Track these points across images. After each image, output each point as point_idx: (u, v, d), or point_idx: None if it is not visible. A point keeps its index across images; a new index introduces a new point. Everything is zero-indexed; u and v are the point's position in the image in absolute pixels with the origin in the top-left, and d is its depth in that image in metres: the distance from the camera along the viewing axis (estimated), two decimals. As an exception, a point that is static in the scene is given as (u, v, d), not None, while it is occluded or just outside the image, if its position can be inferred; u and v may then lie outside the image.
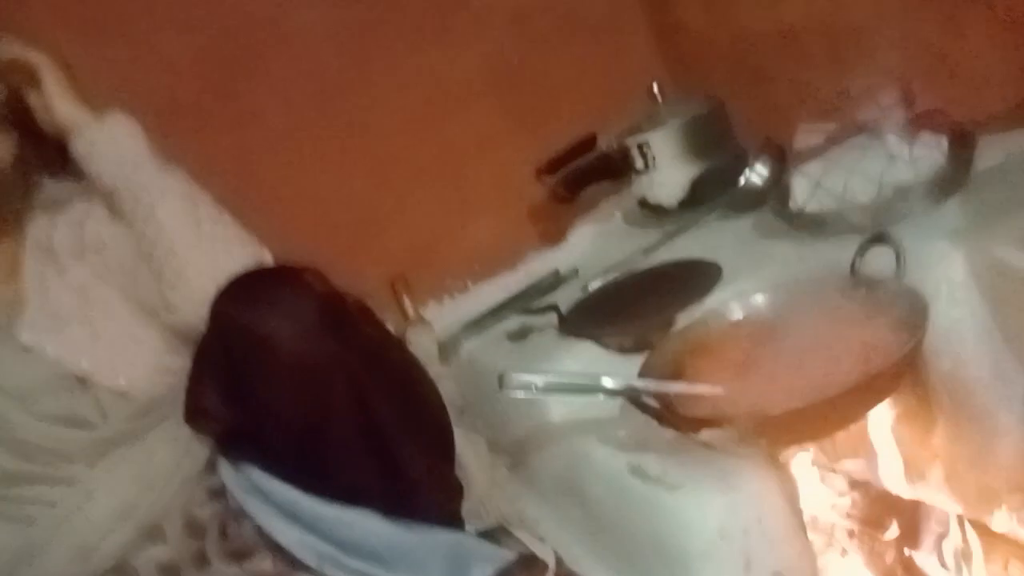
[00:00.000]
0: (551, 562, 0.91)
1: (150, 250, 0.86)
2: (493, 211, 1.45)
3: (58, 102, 0.86)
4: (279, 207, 1.25)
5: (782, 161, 1.21)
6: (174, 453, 0.85)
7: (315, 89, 1.32)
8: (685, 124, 1.32)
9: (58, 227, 0.91)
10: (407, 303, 1.33)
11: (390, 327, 1.07)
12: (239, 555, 0.84)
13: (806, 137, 1.13)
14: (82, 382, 0.86)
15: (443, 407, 0.96)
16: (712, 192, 1.29)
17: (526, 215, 1.48)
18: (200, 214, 0.87)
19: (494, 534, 0.93)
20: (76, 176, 0.91)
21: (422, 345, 1.21)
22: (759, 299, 0.95)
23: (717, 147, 1.33)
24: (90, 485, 0.83)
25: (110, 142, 0.87)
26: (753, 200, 1.22)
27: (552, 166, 1.38)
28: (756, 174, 1.24)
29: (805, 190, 1.05)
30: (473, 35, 1.41)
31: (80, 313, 0.88)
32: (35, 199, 0.93)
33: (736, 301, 0.96)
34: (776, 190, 1.14)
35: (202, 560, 0.85)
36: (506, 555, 0.87)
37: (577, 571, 0.92)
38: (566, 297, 1.20)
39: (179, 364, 0.85)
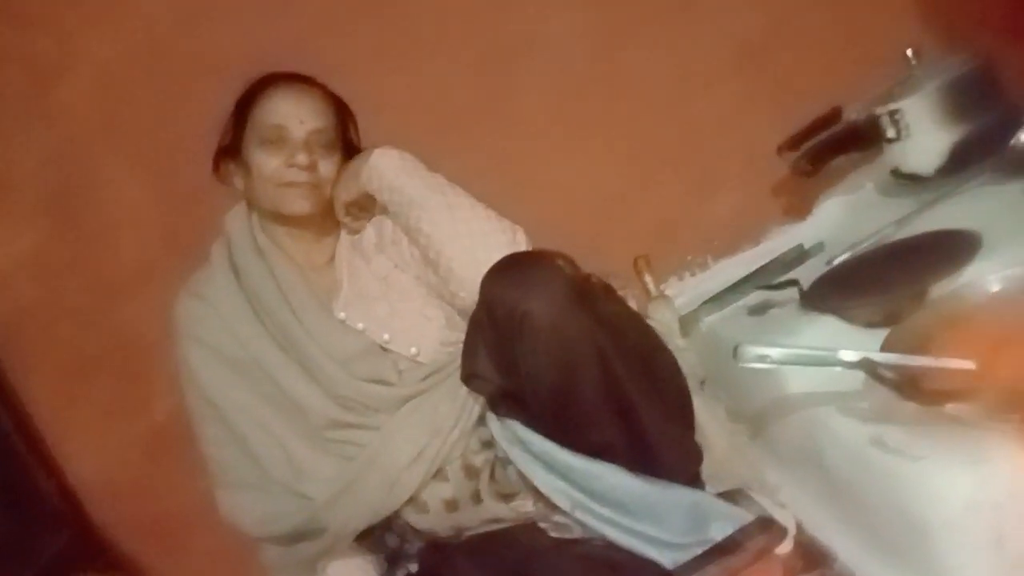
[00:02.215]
0: (791, 527, 0.94)
1: (425, 252, 1.03)
2: (734, 188, 1.47)
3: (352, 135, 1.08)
4: (535, 197, 1.38)
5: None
6: (454, 408, 1.02)
7: (567, 87, 1.43)
8: (944, 86, 1.24)
9: (364, 227, 1.12)
10: (648, 280, 1.40)
11: (632, 303, 1.15)
12: (506, 496, 0.99)
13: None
14: (384, 350, 1.06)
15: (682, 376, 1.03)
16: (975, 157, 1.21)
17: (769, 191, 1.48)
18: (457, 216, 1.02)
19: (733, 497, 0.98)
20: None
21: (663, 320, 1.28)
22: (1022, 271, 0.89)
23: (981, 108, 1.23)
24: (390, 431, 1.02)
25: (378, 172, 1.05)
26: (1024, 163, 1.12)
27: (794, 142, 1.37)
28: (1030, 134, 1.14)
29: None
30: (716, 15, 1.43)
31: (382, 295, 1.08)
32: None
33: (996, 273, 0.92)
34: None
35: (477, 498, 1.01)
36: (745, 515, 0.92)
37: (817, 537, 0.95)
38: (809, 272, 1.20)
39: (458, 337, 1.01)
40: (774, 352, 0.90)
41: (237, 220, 1.11)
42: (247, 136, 1.07)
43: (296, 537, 1.04)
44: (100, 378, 1.43)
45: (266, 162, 1.05)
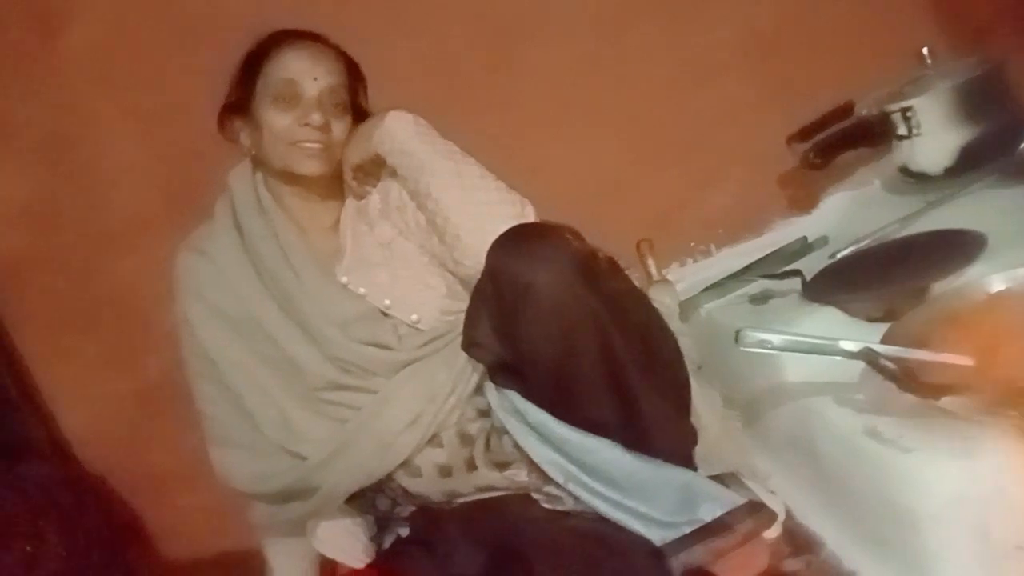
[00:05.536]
0: (781, 512, 0.95)
1: (432, 218, 1.03)
2: (740, 177, 1.47)
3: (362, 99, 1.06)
4: (538, 176, 1.36)
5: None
6: (452, 376, 1.02)
7: (574, 67, 1.43)
8: (957, 87, 1.25)
9: (370, 191, 1.11)
10: (651, 264, 1.40)
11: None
12: (500, 465, 0.99)
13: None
14: (384, 315, 1.06)
15: (680, 358, 1.03)
16: (983, 159, 1.21)
17: (775, 182, 1.48)
18: (467, 184, 1.01)
19: (724, 480, 0.99)
20: None
21: (663, 303, 1.28)
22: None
23: (992, 111, 1.24)
24: (387, 395, 1.02)
25: (390, 134, 1.04)
26: (1033, 167, 1.13)
27: (806, 133, 1.37)
28: (1039, 139, 1.15)
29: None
30: (728, 7, 1.43)
31: (385, 261, 1.08)
32: None
33: (999, 273, 0.92)
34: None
35: (471, 465, 1.01)
36: (735, 498, 0.93)
37: (806, 524, 0.96)
38: (812, 264, 1.21)
39: (459, 307, 1.01)
40: (775, 338, 0.91)
41: (242, 178, 1.10)
42: (257, 92, 1.06)
43: (287, 496, 1.04)
44: (95, 331, 1.43)
45: (277, 120, 1.04)
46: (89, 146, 1.40)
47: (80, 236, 1.39)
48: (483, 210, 1.00)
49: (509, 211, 1.00)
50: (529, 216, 1.02)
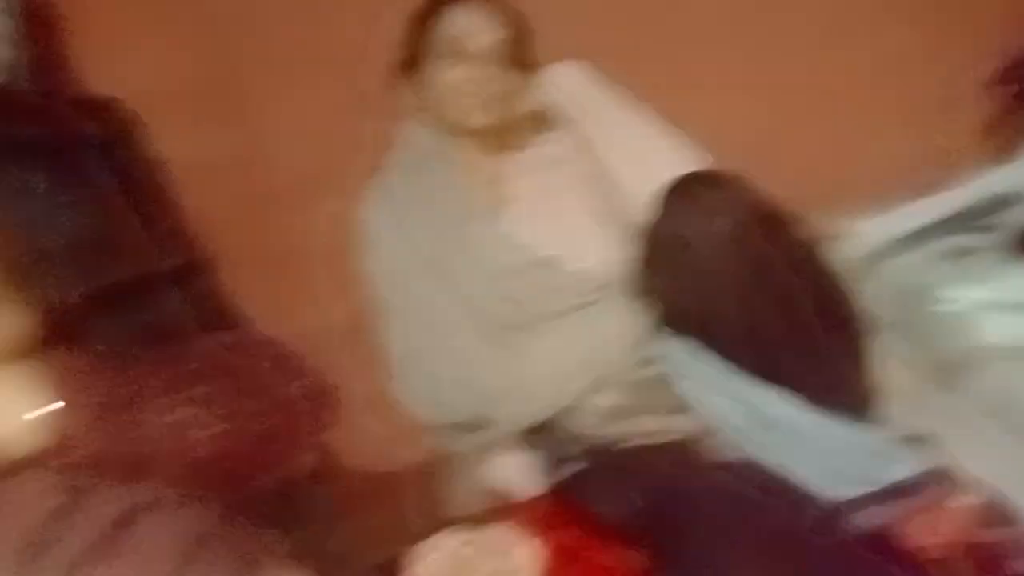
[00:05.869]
0: (970, 481, 0.90)
1: (600, 167, 1.03)
2: (928, 124, 1.36)
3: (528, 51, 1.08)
4: (705, 123, 1.35)
5: None
6: (619, 323, 1.03)
7: (725, 17, 1.37)
8: None
9: (535, 142, 1.13)
10: (824, 219, 1.33)
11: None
12: (669, 411, 1.00)
13: None
14: (548, 264, 1.08)
15: (859, 316, 0.99)
16: None
17: (968, 130, 1.36)
18: (637, 132, 1.01)
19: (910, 444, 0.94)
20: None
21: (841, 258, 1.22)
22: None
23: None
24: (557, 340, 1.05)
25: (558, 84, 1.05)
26: None
27: (1006, 76, 1.25)
28: None
29: None
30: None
31: (552, 210, 1.10)
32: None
33: None
34: None
35: (638, 411, 1.03)
36: (920, 462, 0.89)
37: (1000, 495, 0.90)
38: (1013, 219, 1.11)
39: (628, 255, 1.02)
40: (973, 295, 0.85)
41: (412, 131, 1.15)
42: (426, 48, 1.10)
43: (464, 428, 1.10)
44: (285, 276, 1.54)
45: (446, 74, 1.08)
46: (268, 105, 1.50)
47: (274, 185, 1.50)
48: (654, 157, 0.99)
49: (680, 159, 0.99)
50: (702, 164, 1.00)
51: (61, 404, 0.62)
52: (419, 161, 1.14)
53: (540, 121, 1.12)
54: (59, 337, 0.70)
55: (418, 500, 1.14)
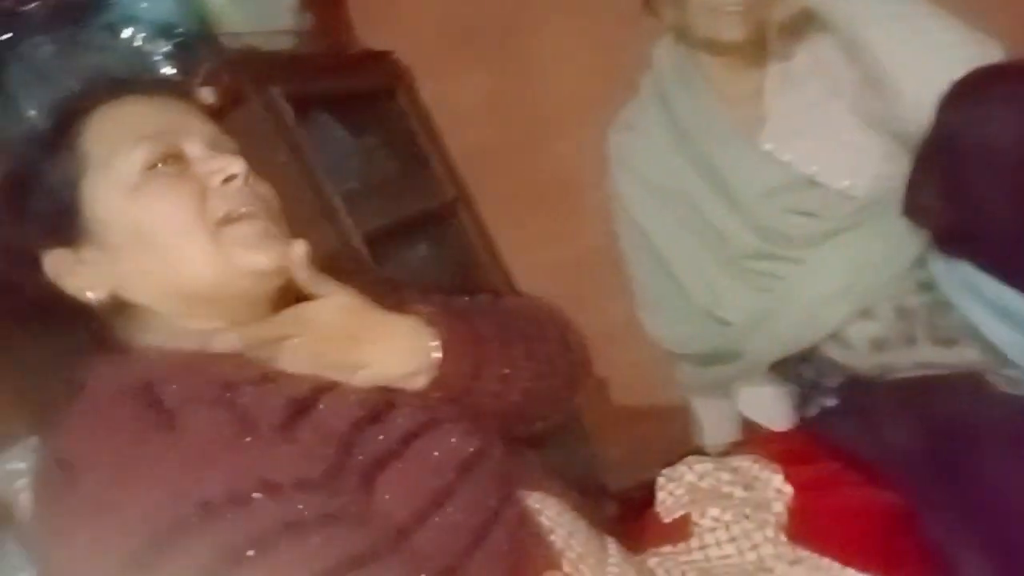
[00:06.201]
0: None
1: (868, 71, 0.93)
2: None
3: None
4: (993, 10, 1.14)
5: None
6: (887, 246, 0.95)
7: None
8: None
9: (795, 53, 1.05)
10: None
11: None
12: (946, 342, 0.91)
13: None
14: (811, 182, 1.02)
15: None
16: None
17: None
18: (912, 26, 0.89)
19: None
20: None
21: None
22: None
23: None
24: (813, 265, 1.00)
25: None
26: None
27: None
28: None
29: None
30: None
31: (813, 125, 1.02)
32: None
33: None
34: None
35: (910, 340, 0.95)
36: None
37: None
38: None
39: (898, 171, 0.92)
40: None
41: (665, 51, 1.13)
42: None
43: (712, 359, 1.10)
44: (540, 206, 1.62)
45: None
46: (532, 41, 1.55)
47: (527, 121, 1.57)
48: (932, 55, 0.88)
49: (966, 53, 0.86)
50: (993, 57, 0.87)
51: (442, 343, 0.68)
52: (671, 81, 1.12)
53: (799, 26, 1.03)
54: (353, 272, 0.78)
55: (666, 429, 1.17)
